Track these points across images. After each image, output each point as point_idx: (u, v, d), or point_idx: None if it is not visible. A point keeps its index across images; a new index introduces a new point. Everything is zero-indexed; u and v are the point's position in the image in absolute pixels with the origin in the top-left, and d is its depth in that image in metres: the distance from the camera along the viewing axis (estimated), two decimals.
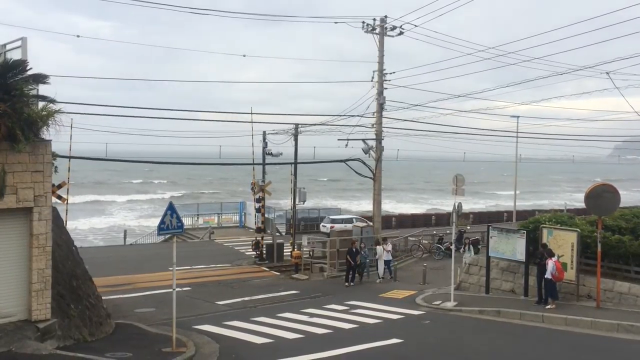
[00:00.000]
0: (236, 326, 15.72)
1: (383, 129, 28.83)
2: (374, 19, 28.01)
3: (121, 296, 20.63)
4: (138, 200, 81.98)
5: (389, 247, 25.15)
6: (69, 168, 23.32)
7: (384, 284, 23.41)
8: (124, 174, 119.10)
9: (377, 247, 24.98)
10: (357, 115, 29.13)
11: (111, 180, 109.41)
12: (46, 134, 12.02)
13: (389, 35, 28.24)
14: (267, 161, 32.48)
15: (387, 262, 24.58)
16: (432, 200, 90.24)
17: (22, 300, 11.79)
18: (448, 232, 29.57)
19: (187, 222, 40.13)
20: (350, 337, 14.44)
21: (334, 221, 39.00)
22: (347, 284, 23.06)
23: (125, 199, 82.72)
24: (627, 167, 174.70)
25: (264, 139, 33.32)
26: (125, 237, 40.81)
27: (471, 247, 25.05)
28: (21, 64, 11.70)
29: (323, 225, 39.78)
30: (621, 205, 17.93)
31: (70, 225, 22.98)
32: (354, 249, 23.56)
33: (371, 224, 29.87)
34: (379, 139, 28.64)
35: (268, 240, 31.54)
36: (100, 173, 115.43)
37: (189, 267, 26.81)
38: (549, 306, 16.65)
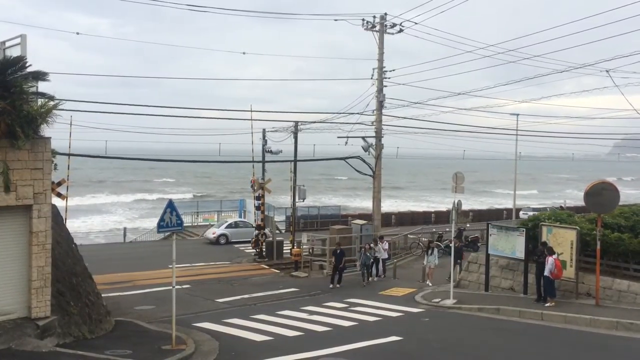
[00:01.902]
0: (236, 324, 15.73)
1: (383, 126, 28.82)
2: (374, 17, 28.00)
3: (121, 294, 20.62)
4: (139, 199, 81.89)
5: (386, 245, 25.22)
6: (68, 165, 23.33)
7: (384, 282, 23.41)
8: (125, 173, 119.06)
9: (377, 245, 24.59)
10: (357, 113, 29.14)
11: (112, 179, 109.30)
12: (45, 131, 12.03)
13: (388, 33, 28.22)
14: (266, 159, 32.42)
15: (383, 261, 24.42)
16: (432, 197, 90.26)
17: (21, 297, 11.80)
18: (447, 229, 29.57)
19: (186, 219, 40.13)
20: (350, 334, 14.45)
21: (534, 209, 45.26)
22: (331, 286, 22.17)
23: (125, 197, 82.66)
24: (627, 165, 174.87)
25: (264, 136, 33.27)
26: (125, 235, 40.80)
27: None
28: (20, 61, 11.69)
29: (524, 213, 44.39)
30: (621, 202, 17.96)
31: (69, 223, 22.99)
32: (338, 250, 22.82)
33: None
34: (378, 136, 28.62)
35: (268, 237, 31.52)
36: (101, 172, 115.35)
37: (188, 265, 26.83)
38: (548, 304, 16.67)
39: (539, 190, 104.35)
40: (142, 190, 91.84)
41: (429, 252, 23.22)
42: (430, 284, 22.05)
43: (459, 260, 22.89)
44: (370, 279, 23.18)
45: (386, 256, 24.97)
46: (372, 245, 23.89)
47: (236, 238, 35.21)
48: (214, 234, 35.41)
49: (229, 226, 36.32)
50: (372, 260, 23.32)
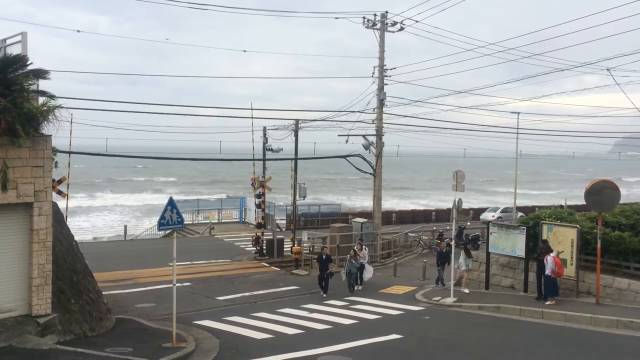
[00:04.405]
0: (236, 321, 15.75)
1: (383, 124, 28.81)
2: (375, 15, 27.97)
3: (121, 291, 20.66)
4: (140, 197, 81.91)
5: (366, 250, 22.97)
6: (69, 163, 23.31)
7: (384, 280, 23.39)
8: (126, 171, 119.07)
9: (361, 251, 21.90)
10: (358, 111, 29.13)
11: (113, 177, 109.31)
12: (46, 129, 12.02)
13: (389, 31, 28.21)
14: (267, 157, 32.46)
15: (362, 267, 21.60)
16: (433, 195, 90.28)
17: (22, 295, 11.81)
18: (448, 227, 29.59)
19: (187, 217, 40.18)
20: (350, 332, 14.47)
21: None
22: (324, 295, 20.13)
23: (126, 195, 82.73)
24: (629, 164, 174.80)
25: (264, 134, 33.32)
26: (125, 233, 40.83)
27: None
28: (21, 59, 11.69)
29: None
30: (621, 201, 17.95)
31: (70, 221, 22.99)
32: (324, 256, 20.78)
33: None
34: (379, 134, 28.62)
35: (268, 235, 31.57)
36: (102, 170, 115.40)
37: (189, 263, 26.85)
38: (548, 302, 16.67)
39: (568, 189, 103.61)
40: (143, 188, 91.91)
41: (468, 255, 20.13)
42: (467, 291, 19.37)
43: (445, 264, 20.79)
44: (356, 287, 21.01)
45: (366, 259, 22.37)
46: (357, 250, 21.47)
47: (506, 219, 40.65)
48: (493, 216, 43.14)
49: (502, 211, 45.34)
50: (358, 267, 21.08)
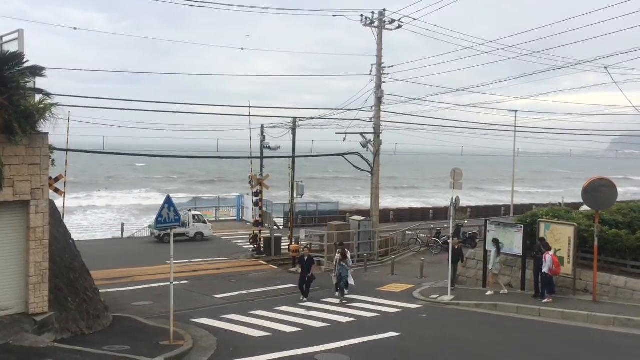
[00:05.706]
0: (234, 319, 15.75)
1: (381, 122, 28.78)
2: (373, 12, 27.92)
3: (119, 289, 20.63)
4: (137, 195, 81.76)
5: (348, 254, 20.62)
6: (66, 161, 23.29)
7: (382, 278, 23.38)
8: (124, 169, 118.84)
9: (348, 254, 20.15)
10: (356, 109, 29.08)
11: (110, 175, 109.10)
12: (43, 126, 12.00)
13: (387, 29, 28.17)
14: (265, 155, 32.43)
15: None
16: (431, 193, 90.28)
17: (19, 293, 11.80)
18: (446, 226, 29.59)
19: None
20: (348, 330, 14.47)
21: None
22: (304, 298, 18.93)
23: (124, 193, 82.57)
24: (628, 162, 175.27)
25: (262, 132, 33.27)
26: (122, 231, 40.77)
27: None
28: (18, 56, 11.68)
29: None
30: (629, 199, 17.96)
31: (67, 219, 22.96)
32: (306, 257, 19.58)
33: None
34: (377, 132, 28.59)
35: (266, 234, 31.55)
36: (99, 168, 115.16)
37: (186, 261, 26.82)
38: (545, 300, 16.70)
39: (569, 188, 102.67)
40: (142, 187, 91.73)
41: (497, 251, 18.66)
42: (506, 291, 18.33)
43: (459, 262, 20.21)
44: (345, 292, 19.26)
45: (350, 266, 20.35)
46: (345, 253, 19.72)
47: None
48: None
49: None
50: (348, 270, 19.48)
